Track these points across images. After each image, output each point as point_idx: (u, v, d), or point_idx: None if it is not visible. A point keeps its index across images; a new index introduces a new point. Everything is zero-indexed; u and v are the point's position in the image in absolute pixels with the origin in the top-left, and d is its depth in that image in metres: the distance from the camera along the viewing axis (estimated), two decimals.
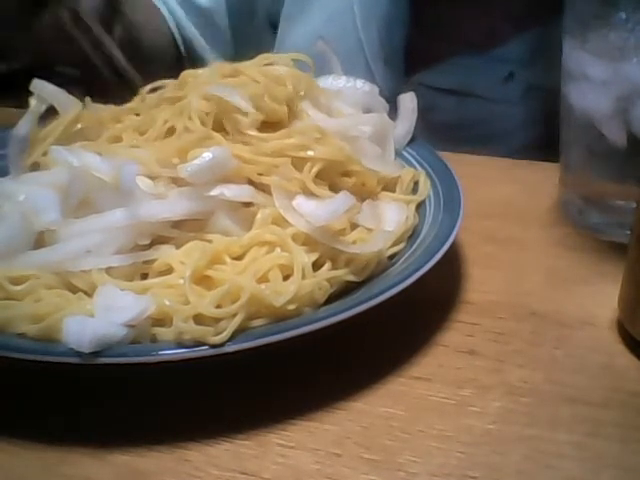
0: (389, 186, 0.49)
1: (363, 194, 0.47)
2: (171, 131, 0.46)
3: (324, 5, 0.73)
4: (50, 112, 0.50)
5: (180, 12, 0.78)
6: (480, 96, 0.71)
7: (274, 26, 0.77)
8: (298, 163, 0.44)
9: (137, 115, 0.50)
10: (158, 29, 0.75)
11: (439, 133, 0.65)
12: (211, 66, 0.51)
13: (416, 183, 0.50)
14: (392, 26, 0.70)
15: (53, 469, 0.36)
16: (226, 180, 0.43)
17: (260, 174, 0.44)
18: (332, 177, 0.46)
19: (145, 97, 0.52)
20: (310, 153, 0.44)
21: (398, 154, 0.54)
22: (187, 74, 0.50)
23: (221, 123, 0.45)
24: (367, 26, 0.70)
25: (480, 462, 0.36)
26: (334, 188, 0.45)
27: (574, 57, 0.49)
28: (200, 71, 0.50)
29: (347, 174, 0.47)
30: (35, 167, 0.47)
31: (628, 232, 0.42)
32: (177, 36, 0.77)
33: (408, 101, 0.56)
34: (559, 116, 0.52)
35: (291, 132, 0.46)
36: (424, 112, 0.72)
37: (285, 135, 0.45)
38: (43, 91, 0.49)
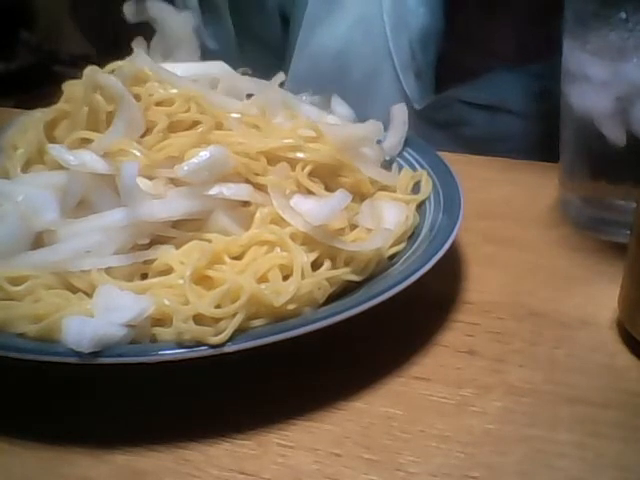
0: (389, 186, 0.50)
1: (361, 193, 0.47)
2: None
3: (352, 8, 0.71)
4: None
5: None
6: (514, 112, 0.70)
7: (285, 20, 0.76)
8: (291, 163, 0.45)
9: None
10: None
11: (470, 147, 0.65)
12: None
13: (417, 183, 0.50)
14: (426, 40, 0.68)
15: (53, 469, 0.36)
16: (224, 179, 0.43)
17: (257, 174, 0.44)
18: (326, 177, 0.46)
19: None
20: (300, 155, 0.45)
21: (398, 155, 0.54)
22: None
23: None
24: (397, 36, 0.68)
25: (480, 462, 0.36)
26: (330, 188, 0.45)
27: (574, 57, 0.49)
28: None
29: (343, 174, 0.47)
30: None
31: (628, 232, 0.42)
32: None
33: (399, 113, 0.56)
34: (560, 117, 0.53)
35: (285, 131, 0.46)
36: (456, 126, 0.71)
37: (279, 134, 0.46)
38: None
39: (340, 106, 0.57)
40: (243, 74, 0.53)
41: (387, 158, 0.53)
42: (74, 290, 0.40)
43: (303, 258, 0.40)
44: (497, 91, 0.69)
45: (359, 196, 0.47)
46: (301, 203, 0.43)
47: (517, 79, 0.62)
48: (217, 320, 0.37)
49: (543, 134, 0.70)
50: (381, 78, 0.67)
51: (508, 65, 0.58)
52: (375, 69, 0.68)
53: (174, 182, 0.43)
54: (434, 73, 0.69)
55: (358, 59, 0.66)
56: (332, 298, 0.41)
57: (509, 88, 0.65)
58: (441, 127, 0.71)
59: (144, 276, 0.41)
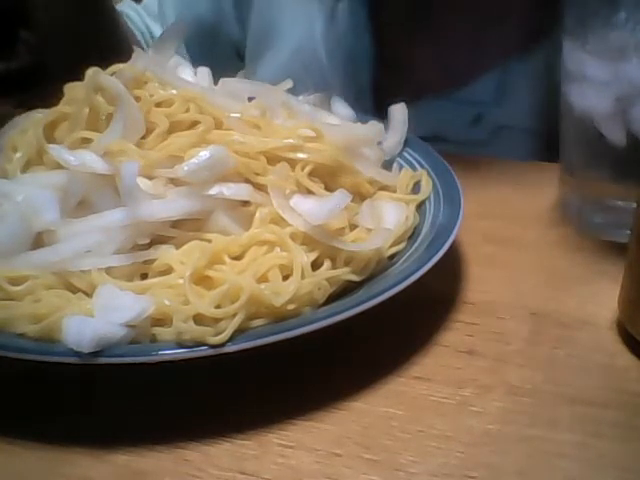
0: (389, 186, 0.50)
1: (361, 194, 0.48)
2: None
3: (287, 40, 0.72)
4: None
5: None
6: (448, 140, 0.69)
7: (241, 56, 0.77)
8: (291, 162, 0.45)
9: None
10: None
11: None
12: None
13: (417, 183, 0.50)
14: (356, 67, 0.69)
15: (53, 469, 0.36)
16: (224, 179, 0.43)
17: (257, 173, 0.44)
18: (326, 177, 0.46)
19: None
20: (300, 155, 0.45)
21: (398, 155, 0.54)
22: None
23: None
24: (332, 62, 0.69)
25: (480, 462, 0.36)
26: (330, 188, 0.45)
27: (574, 57, 0.49)
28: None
29: (343, 175, 0.47)
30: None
31: (628, 232, 0.42)
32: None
33: (399, 112, 0.56)
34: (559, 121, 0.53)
35: (285, 131, 0.46)
36: None
37: (279, 134, 0.46)
38: None
39: (340, 106, 0.57)
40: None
41: (387, 158, 0.53)
42: (74, 290, 0.40)
43: (303, 258, 0.40)
44: (429, 120, 0.67)
45: (359, 196, 0.47)
46: (301, 203, 0.43)
47: (449, 107, 0.60)
48: (217, 320, 0.37)
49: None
50: (323, 106, 0.67)
51: (439, 93, 0.57)
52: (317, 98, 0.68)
53: (174, 182, 0.43)
54: (371, 101, 0.69)
55: (300, 89, 0.66)
56: (332, 298, 0.41)
57: (441, 117, 0.63)
58: None
59: (144, 276, 0.41)
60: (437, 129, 0.68)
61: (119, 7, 0.81)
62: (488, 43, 0.67)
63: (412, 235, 0.46)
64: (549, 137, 0.64)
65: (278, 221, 0.42)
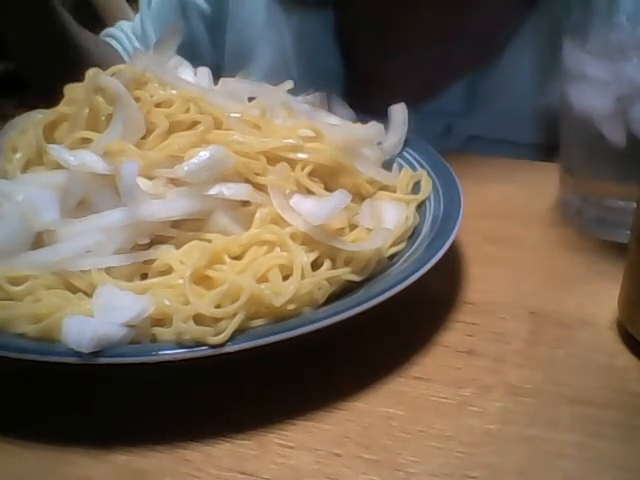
0: (389, 186, 0.50)
1: (361, 194, 0.48)
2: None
3: (261, 61, 0.73)
4: None
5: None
6: None
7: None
8: (291, 162, 0.45)
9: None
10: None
11: None
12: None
13: (417, 183, 0.50)
14: (328, 80, 0.70)
15: (53, 469, 0.36)
16: (224, 179, 0.43)
17: (257, 173, 0.44)
18: (326, 177, 0.46)
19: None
20: (300, 155, 0.45)
21: (398, 155, 0.54)
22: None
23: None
24: (304, 78, 0.69)
25: (480, 462, 0.36)
26: (330, 188, 0.45)
27: (574, 57, 0.49)
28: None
29: (343, 175, 0.47)
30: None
31: (628, 232, 0.42)
32: None
33: (399, 113, 0.56)
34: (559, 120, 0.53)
35: (285, 131, 0.46)
36: None
37: (279, 134, 0.46)
38: None
39: (340, 107, 0.57)
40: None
41: (387, 158, 0.53)
42: (74, 290, 0.40)
43: (303, 258, 0.40)
44: None
45: (359, 196, 0.47)
46: (301, 203, 0.43)
47: (419, 119, 0.60)
48: (217, 320, 0.37)
49: None
50: None
51: (408, 105, 0.57)
52: None
53: (174, 182, 0.43)
54: None
55: None
56: (332, 298, 0.41)
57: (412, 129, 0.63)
58: None
59: (144, 276, 0.41)
60: None
61: (111, 31, 0.83)
62: (459, 54, 0.67)
63: (412, 235, 0.46)
64: (524, 146, 0.65)
65: (278, 221, 0.42)
